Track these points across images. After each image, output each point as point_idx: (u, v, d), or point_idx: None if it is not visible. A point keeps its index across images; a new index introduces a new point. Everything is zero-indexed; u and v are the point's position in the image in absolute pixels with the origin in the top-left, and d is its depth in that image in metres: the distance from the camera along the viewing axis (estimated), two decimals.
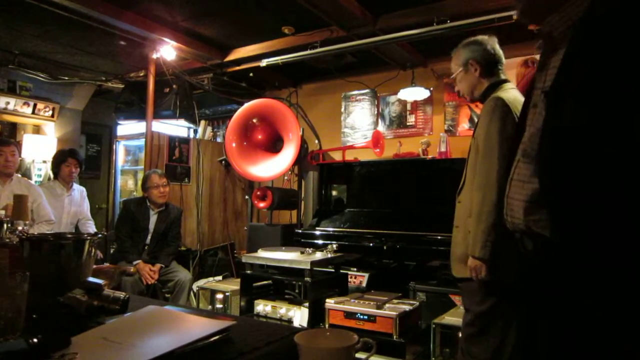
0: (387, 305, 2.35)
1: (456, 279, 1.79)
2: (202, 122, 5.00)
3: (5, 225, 1.06)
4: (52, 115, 4.77)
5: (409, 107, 4.44)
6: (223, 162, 4.80)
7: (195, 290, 3.54)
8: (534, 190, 0.82)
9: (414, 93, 4.05)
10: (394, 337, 2.22)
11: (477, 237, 1.58)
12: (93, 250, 0.98)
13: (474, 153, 1.72)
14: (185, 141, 4.65)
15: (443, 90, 4.23)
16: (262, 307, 2.64)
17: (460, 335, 1.80)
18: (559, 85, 0.77)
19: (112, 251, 3.72)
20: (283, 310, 2.58)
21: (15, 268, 0.83)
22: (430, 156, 3.75)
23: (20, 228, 1.08)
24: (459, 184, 1.81)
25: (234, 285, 3.35)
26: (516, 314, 1.51)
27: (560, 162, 0.75)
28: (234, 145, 3.79)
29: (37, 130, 4.83)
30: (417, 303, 2.47)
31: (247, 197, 4.74)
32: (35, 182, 4.30)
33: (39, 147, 4.58)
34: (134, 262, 3.29)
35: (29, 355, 0.70)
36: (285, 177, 4.49)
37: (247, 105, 3.82)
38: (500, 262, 1.53)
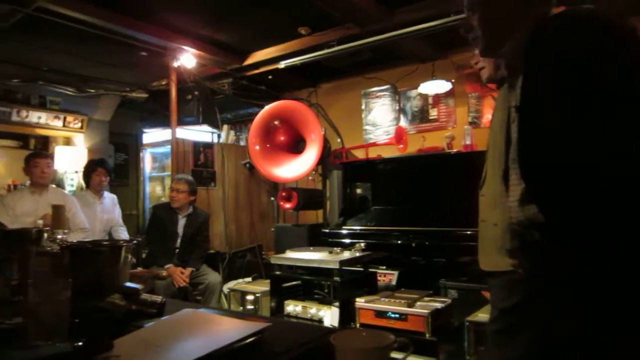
0: (418, 303, 2.32)
1: (485, 273, 1.75)
2: (225, 127, 5.06)
3: (45, 235, 1.11)
4: (81, 127, 4.93)
5: (430, 100, 4.38)
6: (247, 165, 4.85)
7: (225, 292, 3.59)
8: (523, 190, 1.00)
9: (435, 86, 3.99)
10: (426, 335, 2.18)
11: None
12: (129, 256, 1.01)
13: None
14: (209, 146, 4.72)
15: (465, 81, 4.15)
16: (293, 307, 2.65)
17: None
18: (525, 101, 0.99)
19: (144, 256, 3.81)
20: (313, 310, 2.58)
21: (56, 275, 0.85)
22: (455, 150, 3.69)
23: (59, 237, 1.12)
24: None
25: (263, 286, 3.38)
26: (542, 310, 1.48)
27: (534, 160, 0.96)
28: (257, 147, 3.82)
29: (67, 142, 5.00)
30: (449, 300, 2.43)
31: (272, 198, 4.77)
32: (69, 192, 4.45)
33: (71, 158, 4.74)
34: (166, 266, 3.36)
35: (75, 358, 0.72)
36: (310, 177, 4.50)
37: (268, 107, 3.84)
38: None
